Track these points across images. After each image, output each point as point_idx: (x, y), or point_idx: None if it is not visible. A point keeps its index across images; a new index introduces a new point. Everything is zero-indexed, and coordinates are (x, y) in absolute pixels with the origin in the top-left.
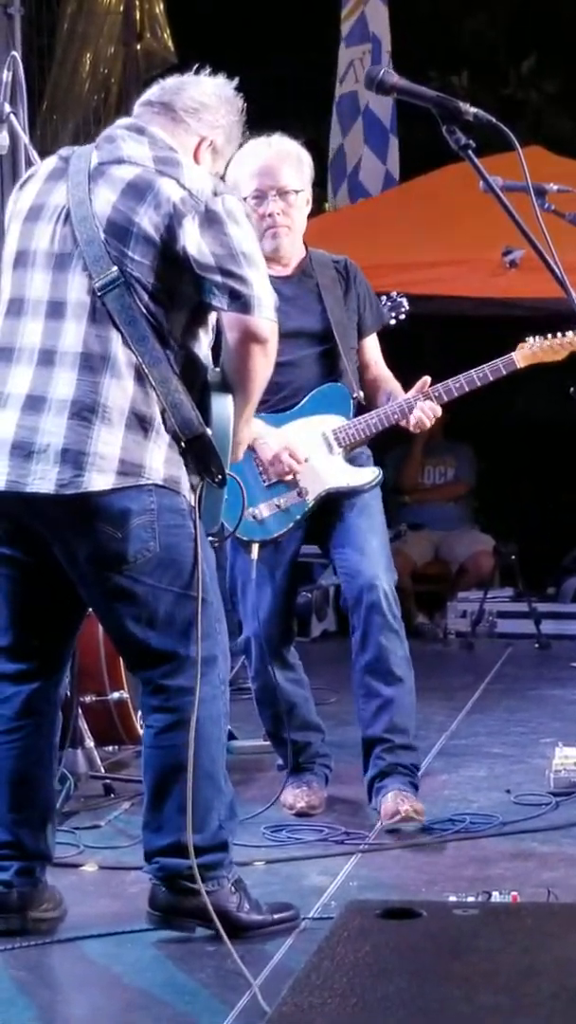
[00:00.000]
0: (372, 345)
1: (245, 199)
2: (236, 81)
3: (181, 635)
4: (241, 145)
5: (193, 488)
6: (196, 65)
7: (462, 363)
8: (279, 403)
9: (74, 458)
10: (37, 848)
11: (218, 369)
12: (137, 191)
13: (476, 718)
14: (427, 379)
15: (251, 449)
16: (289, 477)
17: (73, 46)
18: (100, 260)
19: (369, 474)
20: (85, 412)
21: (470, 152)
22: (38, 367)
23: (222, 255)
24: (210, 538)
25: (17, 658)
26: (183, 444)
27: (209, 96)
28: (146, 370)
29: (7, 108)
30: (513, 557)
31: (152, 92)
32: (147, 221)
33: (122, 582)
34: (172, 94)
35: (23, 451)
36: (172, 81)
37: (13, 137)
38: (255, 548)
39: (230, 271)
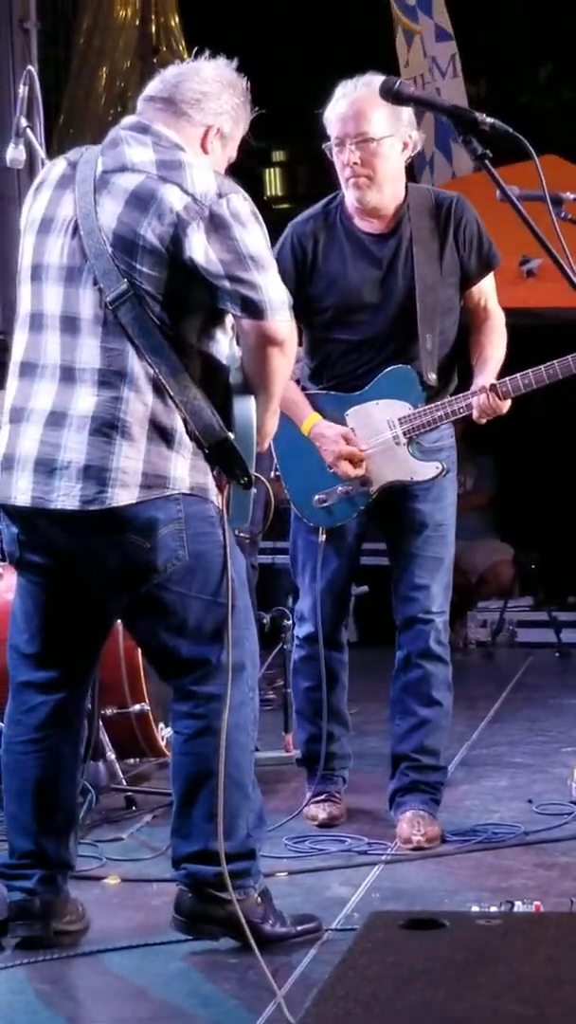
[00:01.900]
0: (480, 290)
1: (329, 147)
2: (236, 62)
3: (211, 642)
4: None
5: (219, 489)
6: (195, 49)
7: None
8: (347, 383)
9: (97, 475)
10: (59, 857)
11: (239, 368)
12: (140, 202)
13: (497, 728)
14: (484, 384)
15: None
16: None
17: (89, 60)
18: (109, 273)
19: (433, 469)
20: (105, 428)
21: (487, 162)
22: (61, 383)
23: (230, 261)
24: (241, 534)
25: (44, 666)
26: (206, 450)
27: (210, 83)
28: (164, 381)
29: (24, 122)
30: (533, 566)
31: (153, 87)
32: (152, 233)
33: (152, 591)
34: (172, 87)
35: (46, 468)
36: (172, 72)
37: (30, 151)
38: (322, 534)
39: (239, 277)
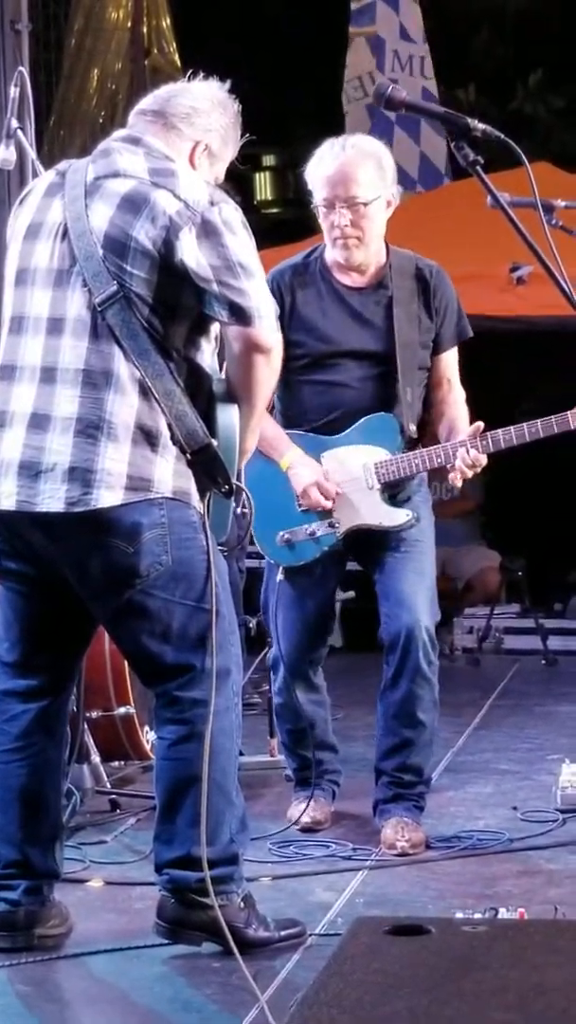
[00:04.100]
0: (447, 362)
1: (315, 205)
2: (228, 84)
3: (196, 648)
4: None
5: (201, 496)
6: (189, 72)
7: (468, 381)
8: (326, 426)
9: (82, 476)
10: (46, 866)
11: (223, 378)
12: (133, 205)
13: (483, 734)
14: (480, 425)
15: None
16: (320, 509)
17: (81, 62)
18: (99, 275)
19: (402, 516)
20: (90, 429)
21: (478, 168)
22: (40, 385)
23: (219, 267)
24: (220, 547)
25: (25, 674)
26: (189, 456)
27: (201, 100)
28: (149, 383)
29: (14, 124)
30: (520, 573)
31: (146, 101)
32: (144, 235)
33: (136, 597)
34: (164, 101)
35: (31, 471)
36: (165, 89)
37: (21, 152)
38: (280, 572)
39: (227, 283)
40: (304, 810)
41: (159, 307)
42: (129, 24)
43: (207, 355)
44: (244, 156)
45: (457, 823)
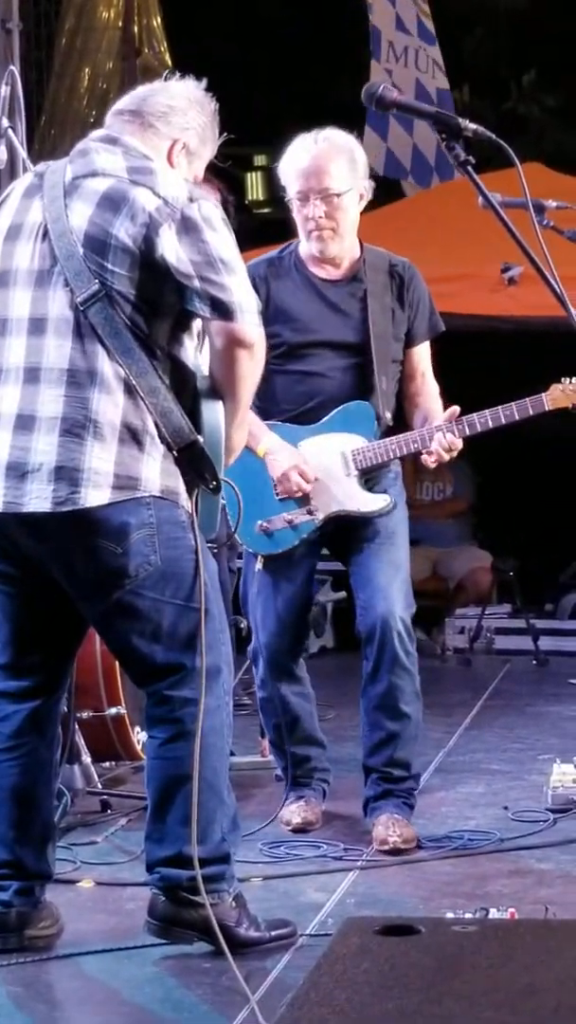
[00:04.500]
0: (420, 355)
1: (289, 199)
2: (204, 82)
3: (186, 647)
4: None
5: (188, 493)
6: (166, 72)
7: (460, 380)
8: (302, 415)
9: (69, 475)
10: (38, 867)
11: (207, 375)
12: (112, 203)
13: (474, 734)
14: (456, 409)
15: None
16: (299, 495)
17: (72, 61)
18: (81, 274)
19: (381, 501)
20: (76, 428)
21: (469, 168)
22: (24, 385)
23: (200, 262)
24: (209, 544)
25: (17, 675)
26: (175, 452)
27: (177, 99)
28: (134, 381)
29: (5, 123)
30: (511, 573)
31: (123, 101)
32: (124, 232)
33: (125, 597)
34: (140, 101)
35: (17, 471)
36: (142, 89)
37: (11, 151)
38: (259, 560)
39: (209, 278)
40: (283, 802)
41: (141, 305)
42: (120, 23)
43: (190, 352)
44: (235, 157)
45: (448, 823)
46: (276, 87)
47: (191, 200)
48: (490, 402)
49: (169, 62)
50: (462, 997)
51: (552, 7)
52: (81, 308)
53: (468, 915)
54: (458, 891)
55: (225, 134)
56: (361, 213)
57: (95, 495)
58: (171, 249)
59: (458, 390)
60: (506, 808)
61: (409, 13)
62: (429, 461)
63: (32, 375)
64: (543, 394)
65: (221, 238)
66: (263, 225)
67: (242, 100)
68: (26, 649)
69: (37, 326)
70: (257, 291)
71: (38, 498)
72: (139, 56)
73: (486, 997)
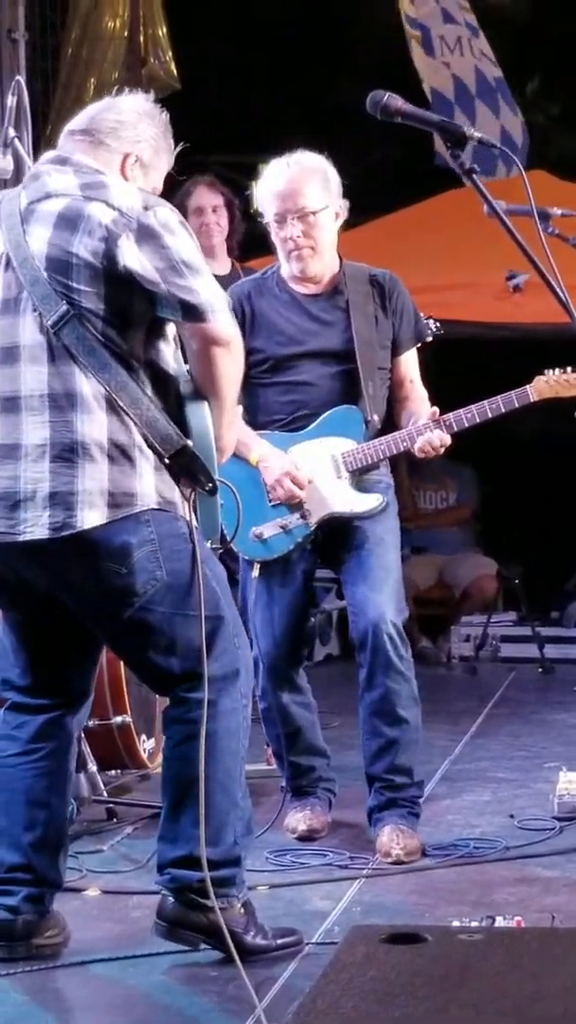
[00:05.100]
0: (407, 362)
1: (268, 222)
2: (153, 96)
3: (200, 654)
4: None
5: (185, 499)
6: (116, 88)
7: (465, 388)
8: (292, 423)
9: (63, 500)
10: (50, 875)
11: (189, 378)
12: (69, 222)
13: (479, 742)
14: (435, 410)
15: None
16: (293, 501)
17: (77, 71)
18: (48, 297)
19: (373, 500)
20: (65, 453)
21: (475, 176)
22: (4, 415)
23: (164, 268)
24: (212, 546)
25: (37, 695)
26: (166, 460)
27: (126, 113)
28: (115, 396)
29: (11, 132)
30: (516, 581)
31: (74, 121)
32: (84, 249)
33: (136, 615)
34: (90, 119)
35: (9, 501)
36: (92, 107)
37: (17, 161)
38: (256, 568)
39: (175, 283)
40: (285, 811)
41: (112, 318)
42: (126, 33)
43: (169, 357)
44: (240, 165)
45: (454, 831)
46: (275, 89)
47: (146, 208)
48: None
49: (174, 71)
50: (468, 1005)
51: (555, 14)
52: (52, 331)
53: (474, 923)
54: (464, 899)
55: (182, 144)
56: (370, 218)
57: (91, 516)
58: (133, 258)
59: (462, 397)
60: (512, 816)
61: (452, 5)
62: (416, 451)
63: (11, 404)
64: (527, 386)
65: (181, 241)
66: (266, 234)
67: (240, 103)
68: (47, 671)
69: (10, 354)
70: (242, 308)
71: (34, 526)
72: (145, 66)
73: (492, 1005)
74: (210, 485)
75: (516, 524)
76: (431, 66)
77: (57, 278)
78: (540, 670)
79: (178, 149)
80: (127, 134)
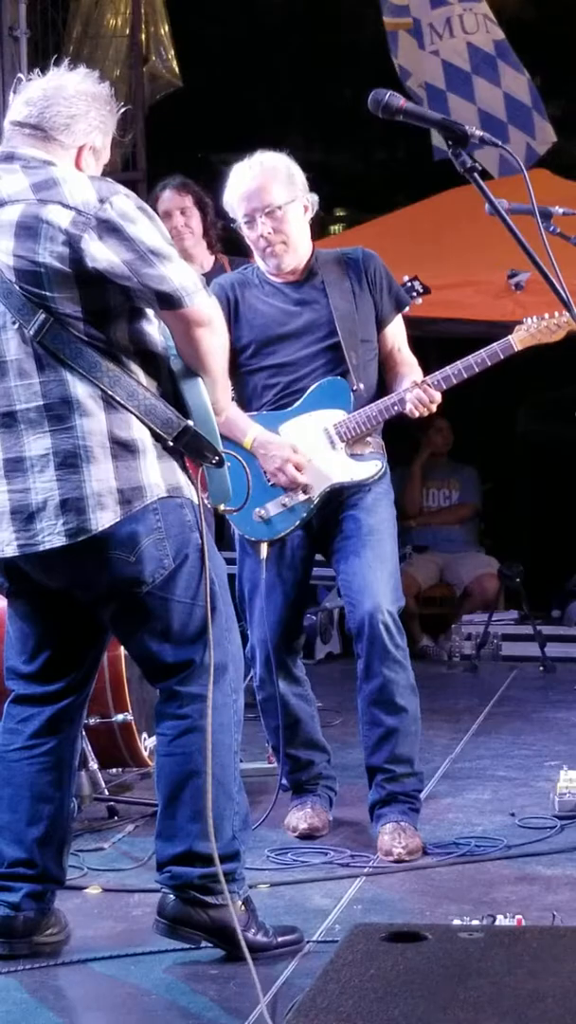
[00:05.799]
0: (393, 332)
1: (238, 226)
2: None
3: (194, 643)
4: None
5: (191, 480)
6: (54, 57)
7: (466, 384)
8: (280, 401)
9: (74, 505)
10: (52, 871)
11: (176, 353)
12: (29, 230)
13: (481, 741)
14: (417, 380)
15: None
16: (297, 488)
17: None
18: (24, 308)
19: (372, 467)
20: (70, 459)
21: (476, 175)
22: (3, 431)
23: (132, 260)
24: (228, 509)
25: (44, 682)
26: (171, 443)
27: (76, 103)
28: (110, 393)
29: None
30: (518, 580)
31: (20, 112)
32: (50, 256)
33: (138, 598)
34: (39, 112)
35: (22, 514)
36: (36, 94)
37: None
38: (264, 548)
39: (146, 274)
40: (273, 803)
41: (92, 317)
42: (128, 31)
43: (154, 337)
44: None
45: (455, 830)
46: (276, 88)
47: (101, 201)
48: (498, 407)
49: (176, 69)
50: (468, 1004)
51: (556, 15)
52: (36, 340)
53: (475, 922)
54: (465, 898)
55: (123, 104)
56: (371, 217)
57: (105, 517)
58: (100, 257)
59: (465, 394)
60: (513, 815)
61: None
62: (412, 412)
63: (9, 419)
64: (510, 336)
65: (143, 229)
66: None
67: (249, 107)
68: (53, 659)
69: None
70: (227, 298)
71: (51, 535)
72: (146, 64)
73: (492, 1004)
74: (216, 458)
75: (518, 523)
76: (422, 59)
77: (29, 289)
78: (541, 669)
79: (120, 111)
80: (80, 127)
